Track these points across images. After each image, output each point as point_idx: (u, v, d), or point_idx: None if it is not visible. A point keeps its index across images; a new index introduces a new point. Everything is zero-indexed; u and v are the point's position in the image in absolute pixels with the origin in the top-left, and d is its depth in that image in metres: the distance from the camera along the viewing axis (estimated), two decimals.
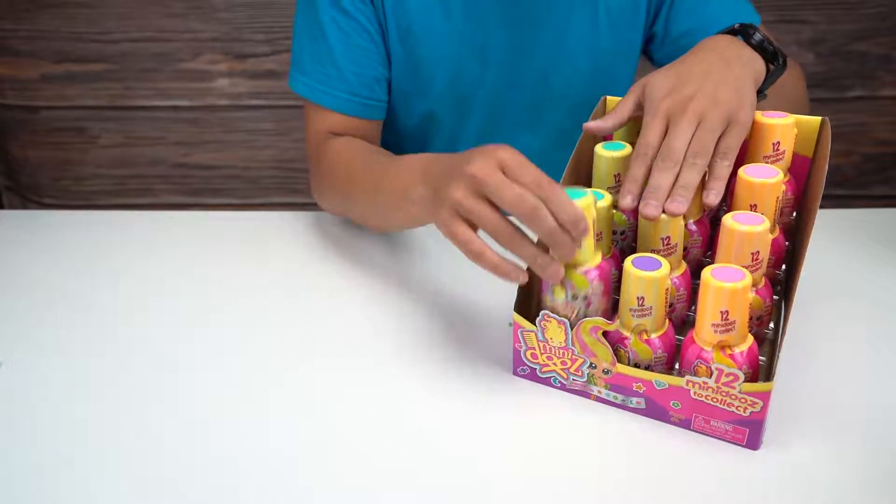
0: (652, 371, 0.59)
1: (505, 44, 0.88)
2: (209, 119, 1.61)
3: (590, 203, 0.57)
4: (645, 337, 0.59)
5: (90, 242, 0.92)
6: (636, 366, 0.59)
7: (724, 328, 0.54)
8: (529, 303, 0.66)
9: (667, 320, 0.60)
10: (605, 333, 0.59)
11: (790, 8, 1.46)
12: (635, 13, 0.89)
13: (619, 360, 0.60)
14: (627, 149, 0.66)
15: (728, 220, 0.55)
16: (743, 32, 0.69)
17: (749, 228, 0.54)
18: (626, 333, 0.59)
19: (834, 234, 0.84)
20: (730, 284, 0.52)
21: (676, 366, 0.61)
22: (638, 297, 0.57)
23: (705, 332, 0.55)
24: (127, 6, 1.49)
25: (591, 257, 0.59)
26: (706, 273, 0.54)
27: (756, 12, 0.89)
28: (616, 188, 0.67)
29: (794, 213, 0.70)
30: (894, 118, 1.55)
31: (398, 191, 0.69)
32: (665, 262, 0.57)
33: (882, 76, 1.51)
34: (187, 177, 1.67)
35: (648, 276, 0.56)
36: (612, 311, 0.62)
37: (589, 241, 0.58)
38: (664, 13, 0.89)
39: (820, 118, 0.67)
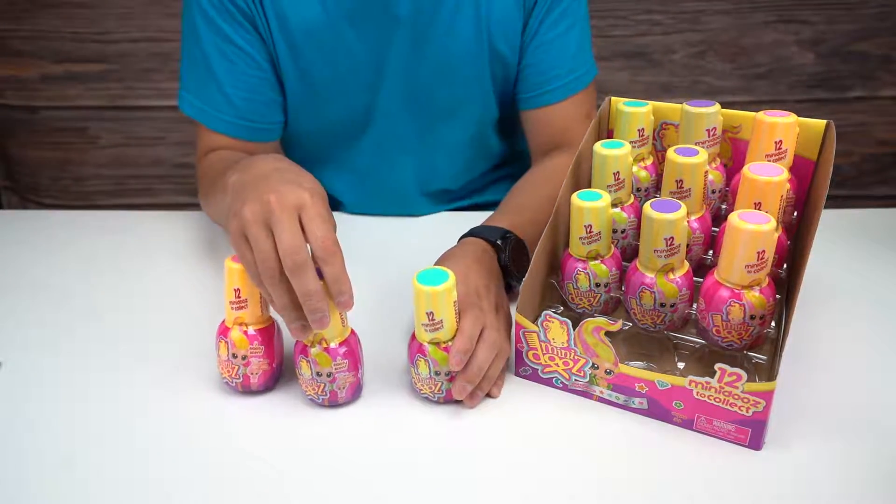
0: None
1: (395, 58, 0.88)
2: None
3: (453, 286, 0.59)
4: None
5: (90, 242, 0.92)
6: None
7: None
8: (531, 304, 0.66)
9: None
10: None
11: (790, 8, 1.46)
12: (514, 37, 0.90)
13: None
14: (626, 147, 0.66)
15: (734, 218, 0.55)
16: (497, 248, 0.73)
17: (756, 227, 0.54)
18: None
19: (834, 234, 0.84)
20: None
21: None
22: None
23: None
24: (127, 6, 1.49)
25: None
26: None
27: (594, 63, 0.93)
28: (615, 186, 0.67)
29: (795, 213, 0.70)
30: (894, 118, 1.55)
31: (226, 181, 0.67)
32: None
33: (882, 76, 1.51)
34: (187, 177, 1.67)
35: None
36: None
37: (451, 319, 0.60)
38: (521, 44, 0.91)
39: (825, 122, 0.67)
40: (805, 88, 1.52)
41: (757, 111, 0.67)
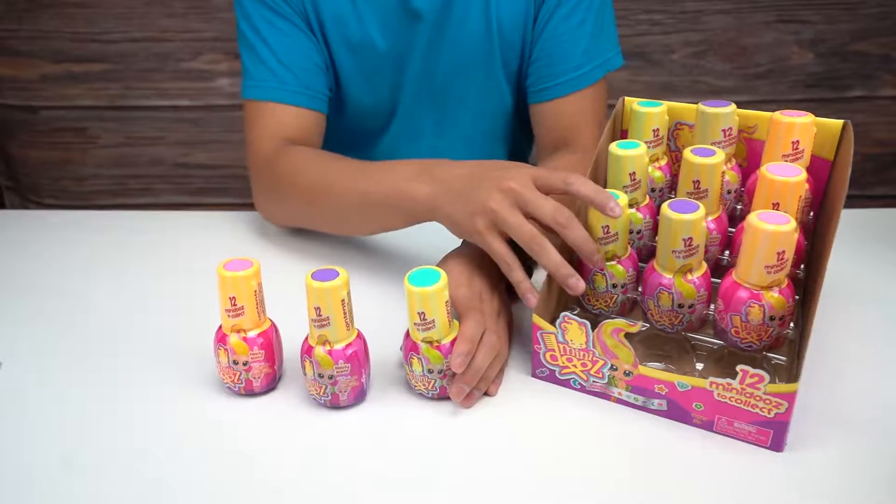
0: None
1: (415, 54, 0.90)
2: (209, 119, 1.60)
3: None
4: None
5: (90, 242, 0.92)
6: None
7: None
8: (547, 305, 0.66)
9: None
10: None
11: (790, 8, 1.46)
12: (524, 31, 0.91)
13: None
14: (642, 147, 0.66)
15: (753, 218, 0.55)
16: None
17: (776, 228, 0.54)
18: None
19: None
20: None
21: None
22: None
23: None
24: (127, 6, 1.49)
25: (446, 333, 0.61)
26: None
27: (611, 58, 0.92)
28: (631, 186, 0.67)
29: (811, 213, 0.70)
30: (894, 118, 1.55)
31: (394, 189, 0.73)
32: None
33: (882, 76, 1.51)
34: (187, 177, 1.67)
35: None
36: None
37: (443, 318, 0.59)
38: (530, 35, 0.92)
39: (842, 122, 0.67)
40: (805, 88, 1.52)
41: (757, 111, 0.67)
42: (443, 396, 0.63)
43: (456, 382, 0.61)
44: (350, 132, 0.99)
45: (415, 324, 0.60)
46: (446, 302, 0.59)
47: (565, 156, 0.90)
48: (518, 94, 0.96)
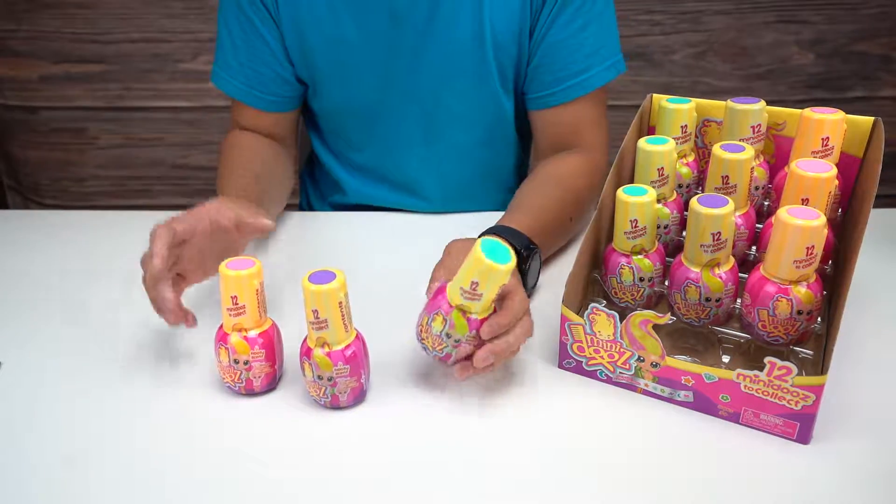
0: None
1: (399, 59, 0.89)
2: (208, 120, 1.60)
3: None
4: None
5: (90, 242, 0.92)
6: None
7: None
8: (574, 297, 0.66)
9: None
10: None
11: (790, 8, 1.46)
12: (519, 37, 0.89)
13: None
14: (671, 143, 0.66)
15: (783, 213, 0.55)
16: (519, 256, 0.71)
17: (805, 223, 0.54)
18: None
19: None
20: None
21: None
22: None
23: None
24: (127, 6, 1.49)
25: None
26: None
27: (616, 63, 0.90)
28: (659, 182, 0.67)
29: (840, 210, 0.70)
30: (894, 118, 1.55)
31: None
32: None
33: (882, 76, 1.52)
34: (186, 178, 1.67)
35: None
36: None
37: (490, 297, 0.58)
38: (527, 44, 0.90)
39: (872, 118, 0.67)
40: (805, 88, 1.52)
41: (786, 108, 0.68)
42: (444, 361, 0.61)
43: (484, 350, 0.59)
44: (335, 137, 0.99)
45: (461, 287, 0.57)
46: (501, 285, 0.57)
47: (569, 156, 0.89)
48: (517, 102, 0.95)
